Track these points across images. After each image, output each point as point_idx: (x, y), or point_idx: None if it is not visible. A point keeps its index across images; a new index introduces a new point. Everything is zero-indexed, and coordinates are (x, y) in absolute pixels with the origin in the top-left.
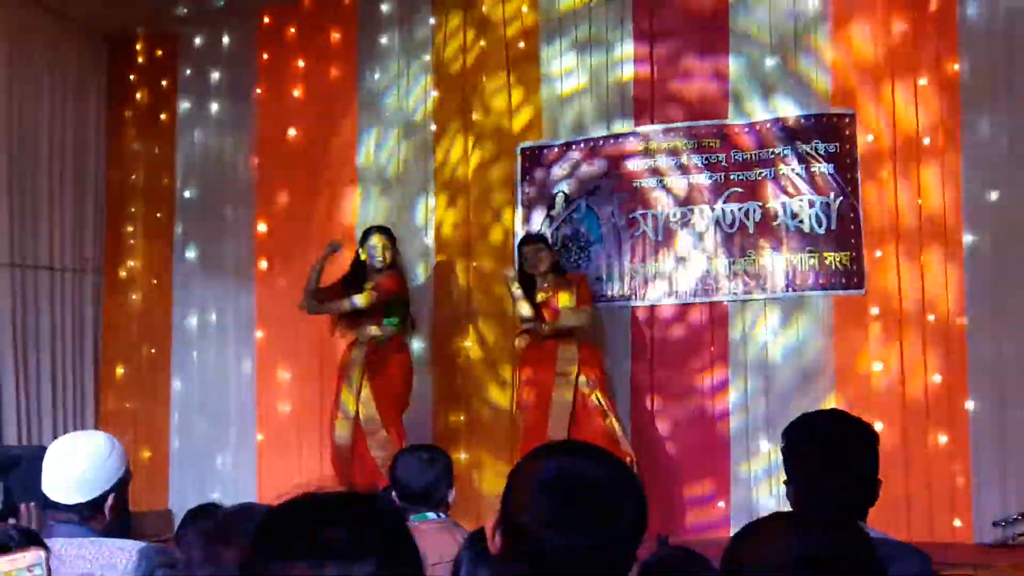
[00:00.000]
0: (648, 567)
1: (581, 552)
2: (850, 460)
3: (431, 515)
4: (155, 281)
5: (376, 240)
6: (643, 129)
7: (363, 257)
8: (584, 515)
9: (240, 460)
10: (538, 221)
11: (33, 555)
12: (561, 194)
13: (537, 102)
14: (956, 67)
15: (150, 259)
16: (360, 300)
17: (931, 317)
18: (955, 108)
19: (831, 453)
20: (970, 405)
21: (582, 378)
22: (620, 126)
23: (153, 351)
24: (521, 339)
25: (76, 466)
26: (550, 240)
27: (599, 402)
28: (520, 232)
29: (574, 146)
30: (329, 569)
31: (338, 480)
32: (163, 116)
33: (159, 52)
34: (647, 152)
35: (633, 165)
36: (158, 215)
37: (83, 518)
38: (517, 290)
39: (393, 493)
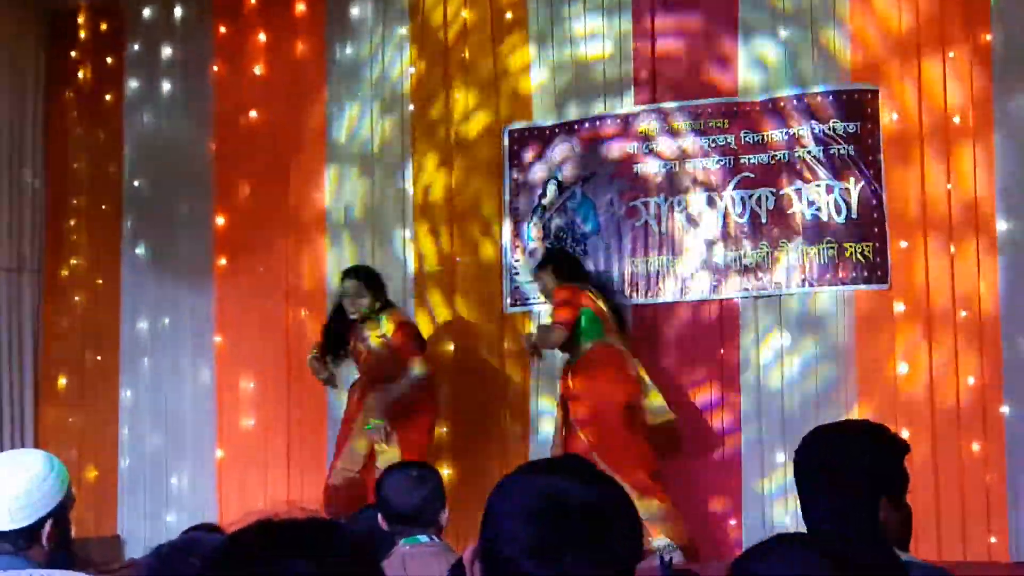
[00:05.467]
0: None
1: None
2: (855, 481)
3: (423, 538)
4: (100, 281)
5: (346, 287)
6: (644, 107)
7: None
8: (573, 542)
9: (198, 480)
10: (527, 211)
11: None
12: (554, 181)
13: (527, 79)
14: (989, 38)
15: (95, 257)
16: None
17: (963, 313)
18: (988, 83)
19: (834, 473)
20: (1006, 410)
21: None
22: (619, 104)
23: (99, 359)
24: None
25: (9, 489)
26: (539, 232)
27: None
28: (508, 224)
29: (568, 127)
30: None
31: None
32: (108, 97)
33: (104, 26)
34: (649, 133)
35: (633, 148)
36: (103, 207)
37: (19, 548)
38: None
39: (379, 516)
